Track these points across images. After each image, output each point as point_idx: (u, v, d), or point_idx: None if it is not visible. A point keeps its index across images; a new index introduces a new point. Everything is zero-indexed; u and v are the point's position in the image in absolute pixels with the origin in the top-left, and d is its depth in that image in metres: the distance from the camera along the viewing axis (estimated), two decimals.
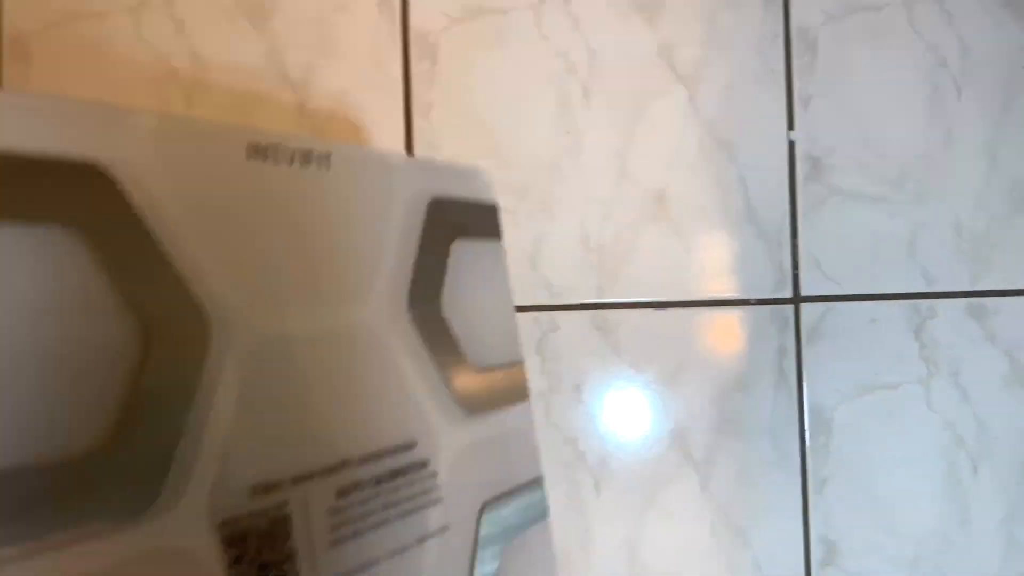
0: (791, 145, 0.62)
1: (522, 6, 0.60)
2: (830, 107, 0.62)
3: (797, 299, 0.62)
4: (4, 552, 0.21)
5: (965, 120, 0.63)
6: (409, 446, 0.34)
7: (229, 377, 0.27)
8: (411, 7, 0.60)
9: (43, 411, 0.23)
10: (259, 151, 0.31)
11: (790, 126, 0.62)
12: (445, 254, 0.38)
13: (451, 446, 0.36)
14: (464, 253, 0.39)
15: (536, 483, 0.41)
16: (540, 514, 0.41)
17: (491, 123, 0.59)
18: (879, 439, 0.62)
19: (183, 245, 0.27)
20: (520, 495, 0.40)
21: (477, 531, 0.36)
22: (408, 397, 0.34)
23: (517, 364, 0.41)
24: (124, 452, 0.24)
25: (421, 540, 0.34)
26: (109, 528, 0.23)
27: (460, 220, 0.39)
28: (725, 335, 0.61)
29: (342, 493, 0.31)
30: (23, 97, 0.24)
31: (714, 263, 0.61)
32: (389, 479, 0.33)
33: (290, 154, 0.32)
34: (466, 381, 0.38)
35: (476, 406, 0.38)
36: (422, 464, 0.34)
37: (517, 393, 0.41)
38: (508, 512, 0.38)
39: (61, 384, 0.23)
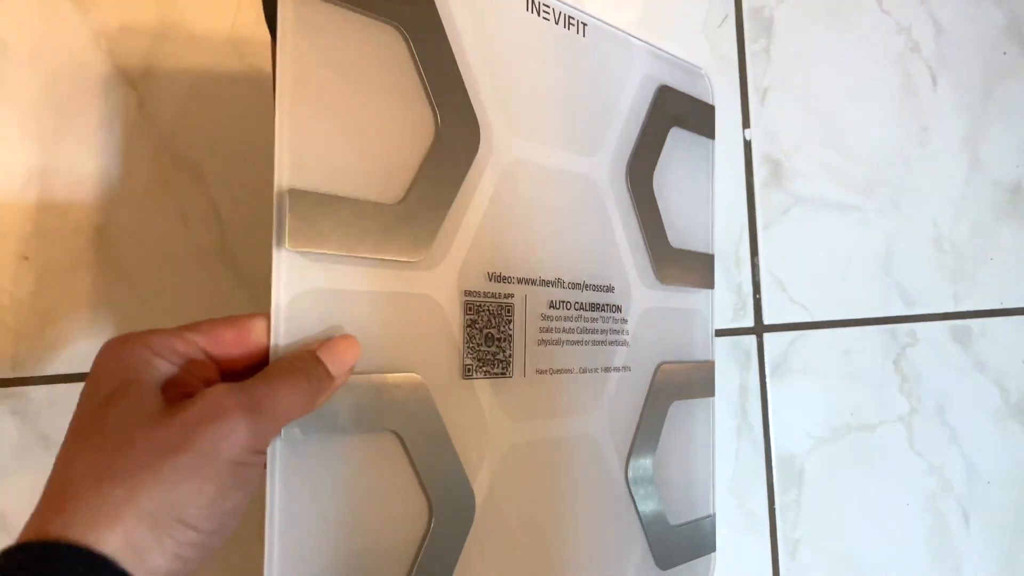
0: (747, 145, 0.52)
1: None
2: (790, 101, 0.53)
3: (760, 328, 0.52)
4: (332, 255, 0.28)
5: (942, 113, 0.54)
6: (609, 288, 0.39)
7: (486, 182, 0.33)
8: None
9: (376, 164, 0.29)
10: (535, 5, 0.36)
11: (745, 124, 0.52)
12: (663, 137, 0.42)
13: (642, 302, 0.40)
14: (679, 141, 0.43)
15: (708, 366, 0.44)
16: (707, 390, 0.44)
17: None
18: (857, 489, 0.53)
19: (469, 68, 0.33)
20: (692, 369, 0.43)
21: (652, 380, 0.41)
22: (615, 249, 0.39)
23: (708, 255, 0.44)
24: (416, 207, 0.30)
25: (607, 370, 0.38)
26: (392, 265, 0.30)
27: (681, 110, 0.43)
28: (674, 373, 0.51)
29: (552, 305, 0.36)
30: None
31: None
32: (589, 309, 0.38)
33: (558, 14, 0.37)
34: (663, 253, 0.41)
35: (668, 278, 0.42)
36: (616, 308, 0.39)
37: (704, 279, 0.44)
38: (679, 377, 0.42)
39: (384, 144, 0.30)
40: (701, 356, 0.44)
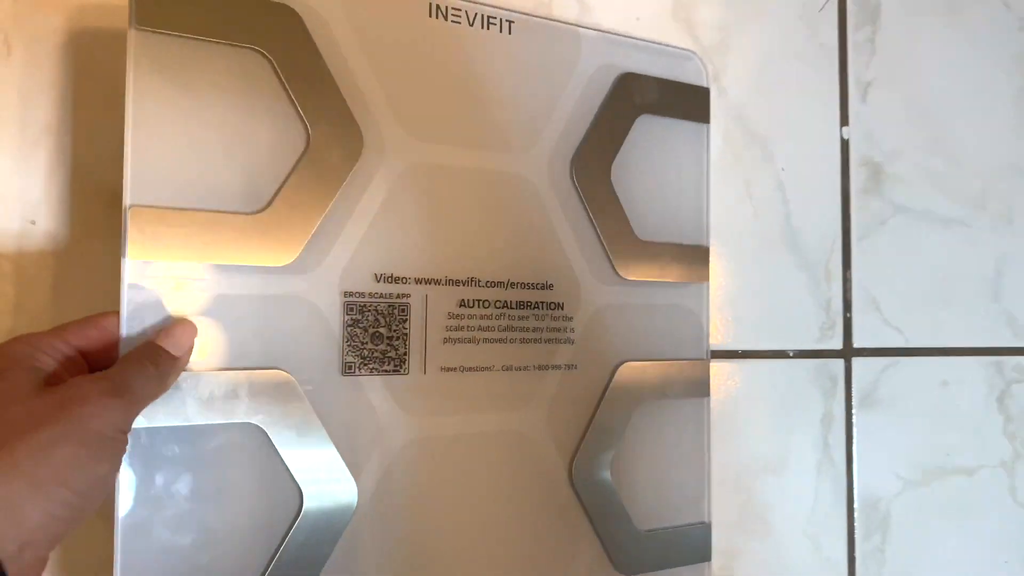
0: (844, 145, 0.47)
1: None
2: (895, 98, 0.47)
3: (848, 352, 0.46)
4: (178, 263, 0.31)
5: None
6: (545, 286, 0.38)
7: (376, 187, 0.35)
8: None
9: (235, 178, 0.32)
10: (441, 11, 0.37)
11: (843, 121, 0.47)
12: (626, 126, 0.40)
13: (596, 299, 0.39)
14: (654, 128, 0.41)
15: (699, 366, 0.42)
16: (697, 390, 0.42)
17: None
18: (949, 541, 0.46)
19: (352, 78, 0.34)
20: (672, 368, 0.41)
21: (611, 379, 0.39)
22: (554, 245, 0.38)
23: (699, 248, 0.42)
24: (282, 215, 0.32)
25: (542, 367, 0.38)
26: (261, 271, 0.32)
27: (653, 97, 0.41)
28: (754, 398, 0.45)
29: (464, 303, 0.36)
30: None
31: (742, 302, 0.45)
32: (516, 307, 0.38)
33: (471, 18, 0.37)
34: (626, 247, 0.40)
35: (634, 272, 0.40)
36: (557, 305, 0.38)
37: (693, 273, 0.42)
38: (652, 376, 0.41)
39: (243, 159, 0.32)
40: (690, 354, 0.42)
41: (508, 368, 0.37)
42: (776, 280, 0.45)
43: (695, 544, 0.41)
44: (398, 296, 0.35)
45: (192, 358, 0.31)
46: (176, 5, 0.31)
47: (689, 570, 0.42)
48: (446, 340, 0.36)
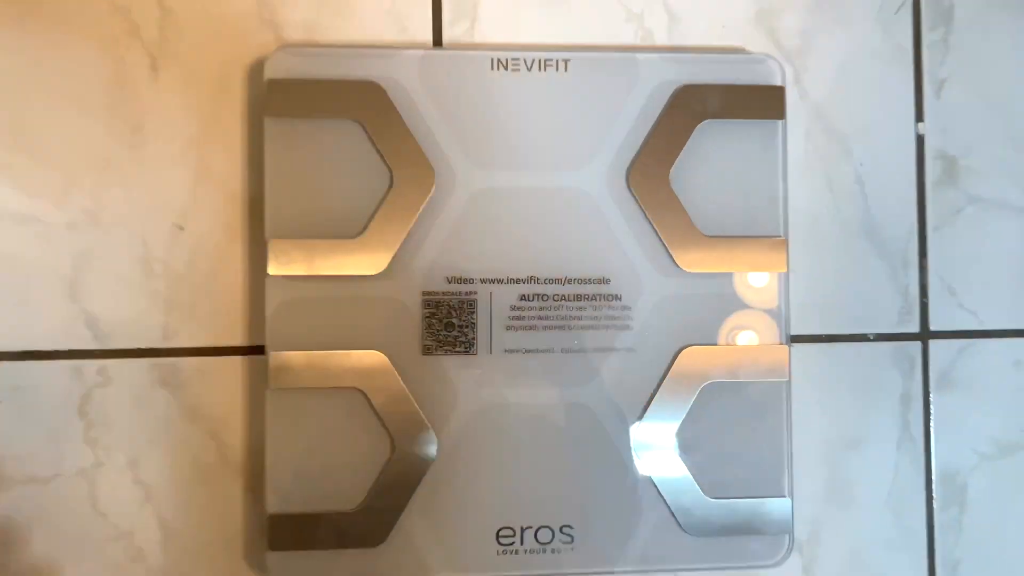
0: (919, 140, 0.49)
1: None
2: (968, 93, 0.50)
3: (926, 335, 0.49)
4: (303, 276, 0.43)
5: None
6: (602, 280, 0.44)
7: (449, 211, 0.43)
8: None
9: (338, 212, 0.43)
10: (499, 63, 0.44)
11: (919, 117, 0.49)
12: (686, 134, 0.45)
13: (656, 291, 0.45)
14: (717, 133, 0.45)
15: (780, 350, 0.45)
16: (778, 373, 0.45)
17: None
18: (1022, 509, 0.49)
19: (424, 127, 0.43)
20: (750, 353, 0.45)
21: (671, 364, 0.44)
22: (611, 244, 0.44)
23: (777, 239, 0.45)
24: (374, 238, 0.43)
25: (601, 350, 0.44)
26: (361, 278, 0.43)
27: (715, 104, 0.45)
28: (836, 378, 0.48)
29: (525, 297, 0.44)
30: (328, 48, 0.45)
31: (823, 289, 0.48)
32: (574, 301, 0.44)
33: (529, 63, 0.44)
34: (688, 242, 0.44)
35: (695, 264, 0.45)
36: (614, 297, 0.44)
37: (767, 263, 0.45)
38: (717, 359, 0.45)
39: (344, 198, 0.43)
40: (764, 338, 0.45)
41: (567, 350, 0.44)
42: (856, 269, 0.48)
43: (773, 516, 0.45)
44: (466, 293, 0.44)
45: (318, 341, 0.42)
46: (295, 97, 0.43)
47: (768, 540, 0.45)
48: (509, 327, 0.44)
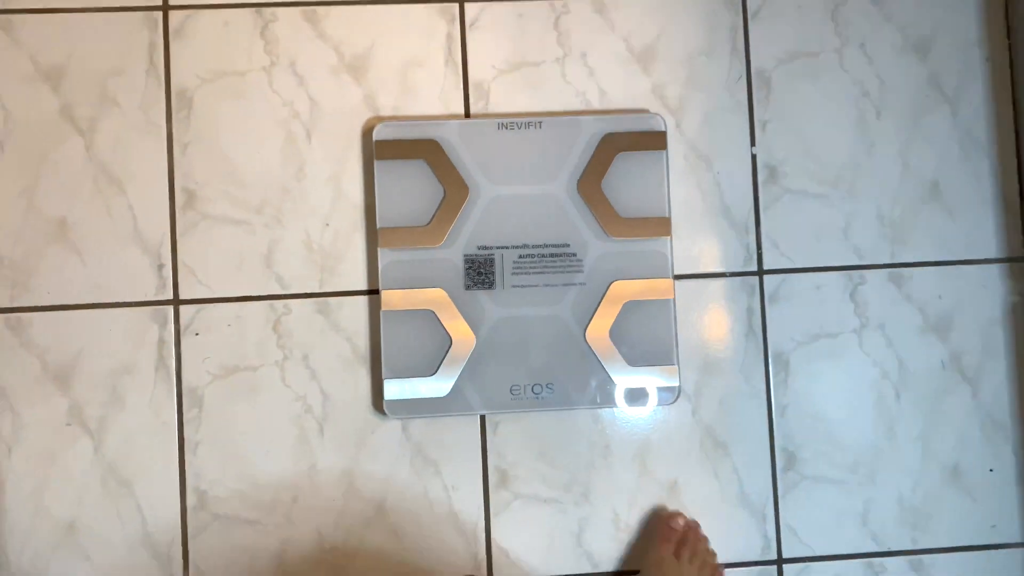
0: (753, 157, 0.83)
1: (549, 59, 0.82)
2: (782, 129, 0.83)
3: (761, 272, 0.83)
4: (399, 248, 0.79)
5: (884, 135, 0.84)
6: (565, 245, 0.79)
7: (477, 209, 0.79)
8: (469, 64, 0.82)
9: (417, 212, 0.79)
10: (503, 126, 0.79)
11: (752, 143, 0.83)
12: (609, 161, 0.79)
13: (597, 249, 0.79)
14: (630, 159, 0.80)
15: (668, 283, 0.79)
16: (663, 294, 0.79)
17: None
18: (824, 375, 0.83)
19: (462, 162, 0.79)
20: (646, 283, 0.79)
21: (604, 292, 0.79)
22: (569, 223, 0.79)
23: (662, 218, 0.79)
24: (435, 226, 0.78)
25: (566, 284, 0.79)
26: (429, 249, 0.79)
27: (627, 143, 0.79)
28: (708, 299, 0.82)
29: (522, 257, 0.79)
30: (406, 120, 0.82)
31: (699, 247, 0.82)
32: (548, 257, 0.79)
33: (519, 125, 0.79)
34: (613, 221, 0.79)
35: (618, 234, 0.79)
36: (572, 255, 0.79)
37: (659, 231, 0.79)
38: (634, 287, 0.79)
39: (419, 204, 0.79)
40: (658, 275, 0.79)
41: (548, 285, 0.79)
42: (716, 234, 0.82)
43: (668, 375, 0.78)
44: (488, 255, 0.78)
45: (407, 283, 0.78)
46: (391, 149, 0.78)
47: (665, 390, 0.80)
48: (514, 272, 0.78)
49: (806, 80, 0.84)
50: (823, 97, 0.84)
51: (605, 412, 0.81)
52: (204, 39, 0.80)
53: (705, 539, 0.79)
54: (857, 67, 0.84)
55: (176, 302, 0.79)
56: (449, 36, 0.82)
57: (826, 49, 0.84)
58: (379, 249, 0.77)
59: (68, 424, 0.77)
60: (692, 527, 0.79)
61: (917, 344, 0.84)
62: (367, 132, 0.80)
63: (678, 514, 0.79)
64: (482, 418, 0.80)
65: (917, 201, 0.84)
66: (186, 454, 0.78)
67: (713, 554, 0.79)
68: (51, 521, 0.77)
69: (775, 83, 0.84)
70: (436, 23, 0.82)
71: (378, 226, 0.77)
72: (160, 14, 0.80)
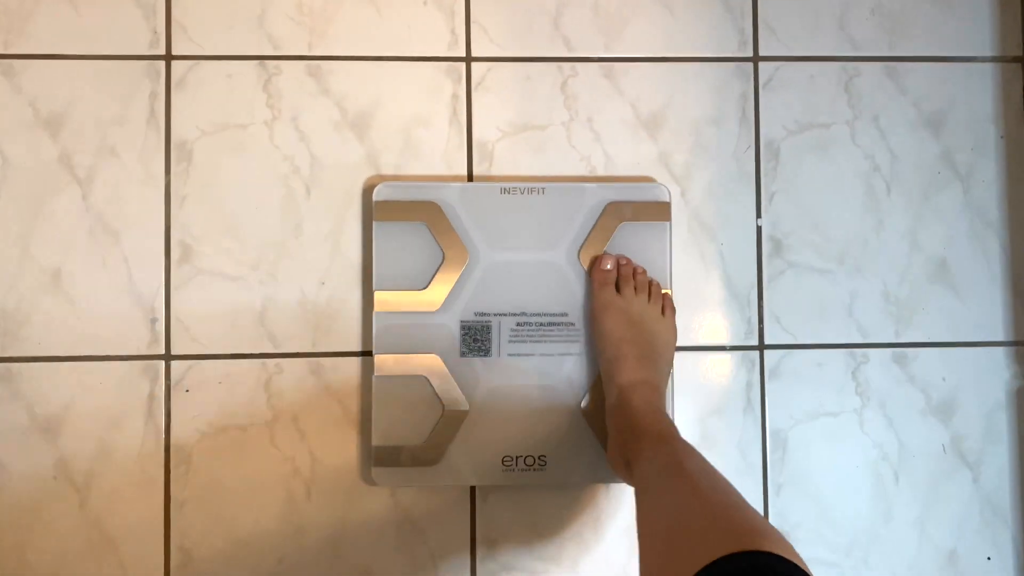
0: (758, 229, 0.82)
1: (555, 122, 0.81)
2: (789, 201, 0.82)
3: (762, 347, 0.81)
4: (394, 312, 0.77)
5: (893, 211, 0.82)
6: (563, 314, 0.78)
7: (476, 273, 0.77)
8: (473, 125, 0.80)
9: (413, 275, 0.78)
10: (505, 191, 0.78)
11: (758, 214, 0.82)
12: (611, 230, 0.78)
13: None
14: (629, 230, 0.79)
15: None
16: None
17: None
18: (822, 454, 0.81)
19: (463, 226, 0.77)
20: None
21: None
22: (569, 292, 0.78)
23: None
24: (434, 290, 0.77)
25: (562, 354, 0.78)
26: (425, 314, 0.78)
27: (630, 213, 0.78)
28: (706, 373, 0.81)
29: (519, 324, 0.78)
30: (405, 181, 0.80)
31: (700, 319, 0.81)
32: (548, 326, 0.78)
33: (522, 190, 0.78)
34: None
35: None
36: (570, 324, 0.78)
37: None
38: None
39: (417, 267, 0.78)
40: None
41: (544, 355, 0.78)
42: (717, 306, 0.81)
43: None
44: (485, 322, 0.77)
45: (402, 348, 0.76)
46: (390, 210, 0.77)
47: None
48: (511, 341, 0.77)
49: (816, 152, 0.83)
50: (833, 170, 0.83)
51: (599, 491, 0.79)
52: (206, 90, 0.79)
53: (643, 270, 0.78)
54: (869, 140, 0.83)
55: (168, 357, 0.78)
56: (455, 96, 0.81)
57: (838, 121, 0.83)
58: (374, 312, 0.76)
59: (54, 477, 0.77)
60: (624, 262, 0.78)
61: (918, 426, 0.82)
62: (367, 190, 0.79)
63: (605, 255, 0.78)
64: (472, 489, 0.79)
65: (924, 280, 0.83)
66: (171, 507, 0.77)
67: (657, 284, 0.78)
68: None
69: (784, 154, 0.82)
70: (442, 82, 0.80)
71: (374, 288, 0.76)
72: (163, 63, 0.79)
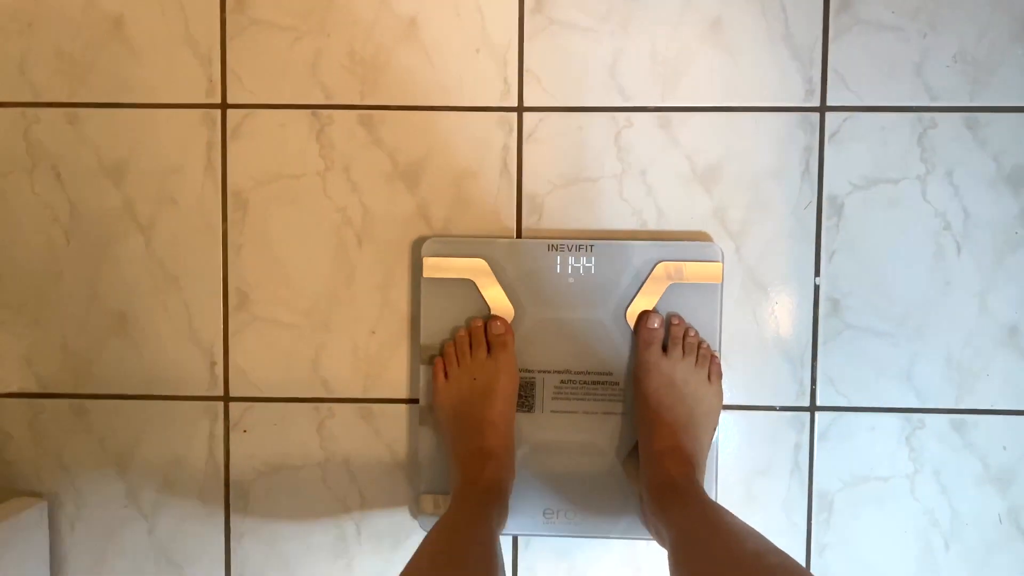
0: (816, 288, 0.79)
1: (607, 175, 0.79)
2: (850, 260, 0.79)
3: (813, 408, 0.80)
4: None
5: (962, 272, 0.78)
6: (607, 373, 0.78)
7: (521, 331, 0.78)
8: (524, 177, 0.79)
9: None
10: (552, 247, 0.77)
11: (816, 273, 0.79)
12: (660, 291, 0.77)
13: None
14: (679, 290, 0.77)
15: None
16: None
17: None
18: (870, 520, 0.80)
19: (510, 284, 0.78)
20: None
21: None
22: (614, 351, 0.78)
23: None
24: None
25: (605, 412, 0.78)
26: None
27: (678, 273, 0.77)
28: (753, 433, 0.80)
29: (563, 382, 0.78)
30: (456, 237, 0.80)
31: (750, 378, 0.80)
32: (592, 384, 0.78)
33: (569, 247, 0.77)
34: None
35: None
36: (614, 383, 0.78)
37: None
38: None
39: (463, 319, 0.79)
40: None
41: (587, 413, 0.78)
42: (769, 368, 0.79)
43: None
44: (530, 378, 0.78)
45: None
46: (438, 267, 0.77)
47: None
48: (555, 398, 0.78)
49: (882, 209, 0.79)
50: (899, 228, 0.79)
51: (638, 541, 0.81)
52: (260, 140, 0.80)
53: (694, 332, 0.76)
54: (941, 197, 0.78)
55: (227, 399, 0.81)
56: (505, 147, 0.79)
57: (908, 176, 0.78)
58: (421, 366, 0.78)
59: (125, 506, 0.82)
60: (674, 321, 0.76)
61: (974, 495, 0.80)
62: (417, 244, 0.79)
63: (653, 313, 0.76)
64: (514, 537, 0.81)
65: (991, 345, 0.79)
66: (231, 542, 0.82)
67: (707, 346, 0.76)
68: None
69: (848, 210, 0.79)
70: (493, 133, 0.79)
71: (421, 342, 0.77)
72: (219, 112, 0.80)
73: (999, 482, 0.80)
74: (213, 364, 0.81)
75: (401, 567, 0.56)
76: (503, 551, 0.80)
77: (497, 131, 0.79)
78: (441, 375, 0.76)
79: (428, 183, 0.80)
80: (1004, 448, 0.79)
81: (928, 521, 0.80)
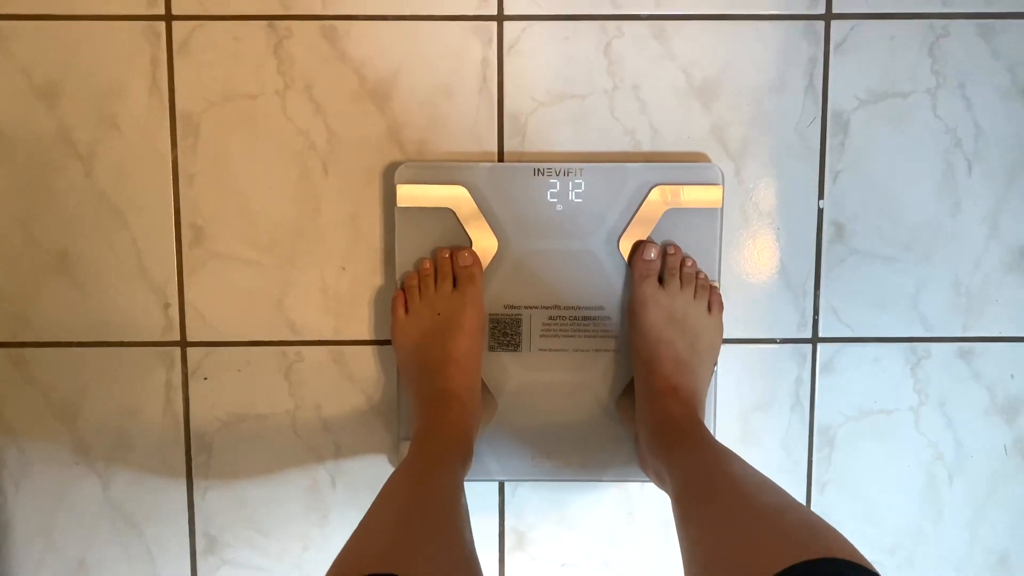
0: (819, 212, 0.74)
1: (596, 91, 0.72)
2: (856, 181, 0.74)
3: (815, 340, 0.75)
4: None
5: (972, 193, 0.74)
6: (599, 307, 0.72)
7: (506, 264, 0.71)
8: (505, 94, 0.72)
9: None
10: (538, 171, 0.70)
11: (820, 196, 0.74)
12: (656, 217, 0.70)
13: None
14: (675, 216, 0.71)
15: None
16: None
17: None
18: (872, 454, 0.76)
19: (492, 211, 0.70)
20: None
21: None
22: (607, 283, 0.72)
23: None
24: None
25: (597, 350, 0.72)
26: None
27: (676, 197, 0.70)
28: (753, 366, 0.75)
29: (551, 319, 0.72)
30: (432, 162, 0.72)
31: (749, 309, 0.75)
32: (582, 320, 0.72)
33: (557, 171, 0.70)
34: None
35: None
36: (607, 318, 0.72)
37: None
38: None
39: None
40: None
41: (578, 350, 0.72)
42: (770, 297, 0.75)
43: None
44: (515, 315, 0.72)
45: None
46: (413, 195, 0.70)
47: None
48: (542, 335, 0.72)
49: (890, 125, 0.73)
50: (908, 146, 0.73)
51: (631, 484, 0.76)
52: (211, 55, 0.71)
53: (692, 261, 0.70)
54: (952, 112, 0.73)
55: (184, 344, 0.74)
56: (484, 61, 0.72)
57: (918, 89, 0.73)
58: (395, 299, 0.71)
59: (76, 463, 0.75)
60: (671, 251, 0.70)
61: (979, 426, 0.76)
62: (389, 170, 0.72)
63: (649, 243, 0.70)
64: (500, 483, 0.76)
65: (1001, 269, 0.75)
66: (195, 498, 0.76)
67: (705, 276, 0.71)
68: None
69: (854, 127, 0.73)
70: (470, 44, 0.72)
71: (397, 278, 0.71)
72: (163, 25, 0.71)
73: (1006, 412, 0.76)
74: (167, 306, 0.74)
75: None
76: (489, 499, 0.75)
77: (475, 42, 0.72)
78: (401, 309, 0.70)
79: (399, 102, 0.72)
80: (1012, 376, 0.76)
81: (932, 455, 0.77)
